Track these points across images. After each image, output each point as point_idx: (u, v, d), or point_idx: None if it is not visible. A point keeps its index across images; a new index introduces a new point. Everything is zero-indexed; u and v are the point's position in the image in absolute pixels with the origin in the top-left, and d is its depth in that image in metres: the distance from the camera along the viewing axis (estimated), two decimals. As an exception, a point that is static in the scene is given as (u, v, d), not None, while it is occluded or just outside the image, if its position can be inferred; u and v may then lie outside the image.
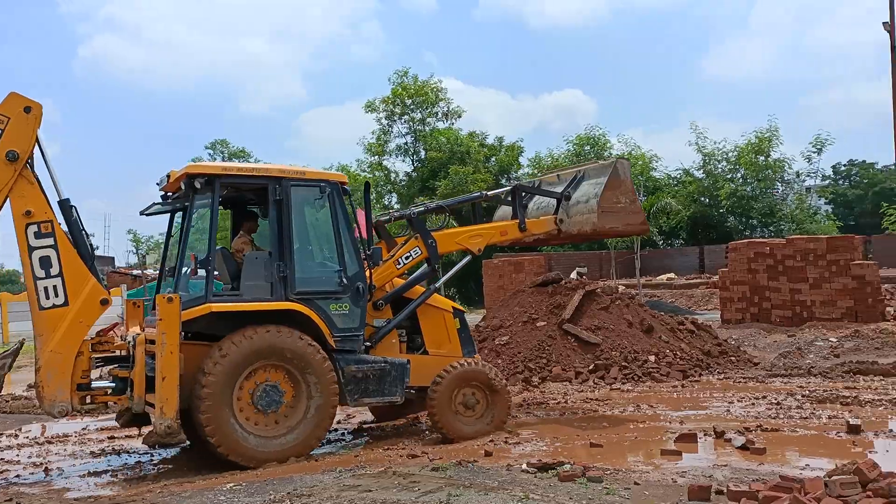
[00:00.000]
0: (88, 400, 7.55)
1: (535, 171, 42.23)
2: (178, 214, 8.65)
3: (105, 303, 7.51)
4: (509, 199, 10.31)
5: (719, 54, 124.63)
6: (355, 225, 8.61)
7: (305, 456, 7.75)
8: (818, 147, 39.23)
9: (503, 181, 42.78)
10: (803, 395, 10.31)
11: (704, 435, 8.04)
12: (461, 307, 9.80)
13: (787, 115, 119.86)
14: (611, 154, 41.05)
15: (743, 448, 7.41)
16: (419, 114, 45.28)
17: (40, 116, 7.42)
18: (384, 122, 45.92)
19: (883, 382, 11.19)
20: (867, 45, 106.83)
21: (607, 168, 10.10)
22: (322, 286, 8.31)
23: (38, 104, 7.41)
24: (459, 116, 46.09)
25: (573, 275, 19.49)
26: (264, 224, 8.71)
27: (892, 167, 52.78)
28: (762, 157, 38.09)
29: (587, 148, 41.41)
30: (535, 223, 10.24)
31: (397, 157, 46.73)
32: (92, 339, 7.68)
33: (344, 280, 8.31)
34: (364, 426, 10.02)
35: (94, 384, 7.55)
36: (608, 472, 6.48)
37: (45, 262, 7.30)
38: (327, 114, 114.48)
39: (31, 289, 7.29)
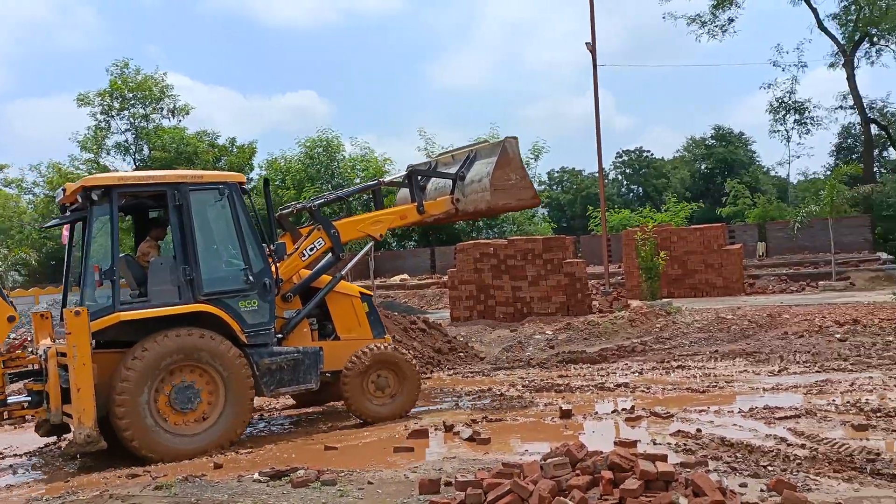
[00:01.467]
0: (6, 415, 7.67)
1: (270, 174, 41.49)
2: (80, 225, 8.58)
3: (12, 320, 7.58)
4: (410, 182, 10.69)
5: (446, 64, 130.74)
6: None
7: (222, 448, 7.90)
8: (535, 154, 42.41)
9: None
10: (523, 385, 11.06)
11: (435, 430, 8.31)
12: (369, 292, 10.14)
13: (508, 125, 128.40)
14: (343, 157, 41.34)
15: (470, 439, 7.75)
16: (142, 109, 42.57)
17: None
18: (100, 117, 42.59)
19: (590, 369, 12.33)
20: (571, 63, 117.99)
21: (497, 147, 10.54)
22: (229, 285, 8.48)
23: None
24: (187, 114, 44.01)
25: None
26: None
27: (597, 174, 58.68)
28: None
29: (319, 150, 41.39)
30: (433, 205, 10.56)
31: (117, 155, 43.57)
32: (2, 355, 7.73)
33: (250, 277, 8.49)
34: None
35: (10, 399, 7.63)
36: (342, 474, 6.44)
37: None
38: (34, 106, 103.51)
39: None
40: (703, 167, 62.91)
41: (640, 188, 65.82)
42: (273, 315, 8.69)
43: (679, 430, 7.54)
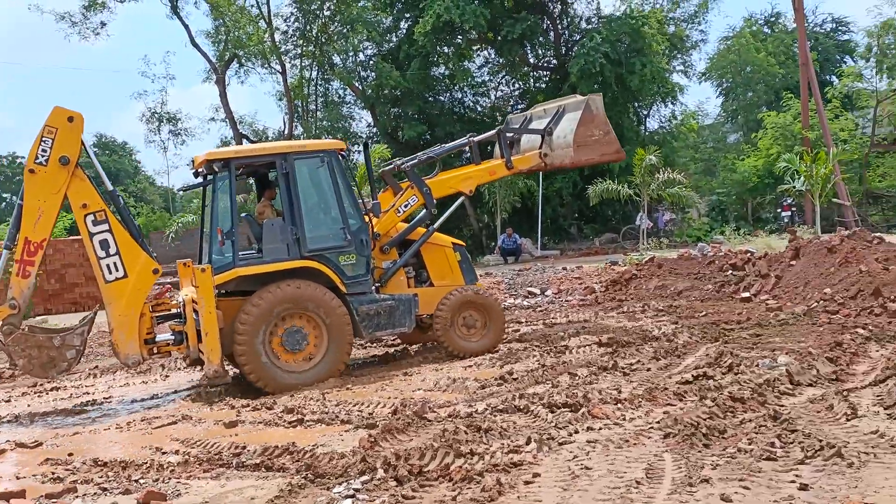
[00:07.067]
0: (156, 351, 9.38)
1: None
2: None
3: (156, 272, 9.15)
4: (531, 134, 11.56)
5: None
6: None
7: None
8: None
9: None
10: None
11: None
12: (461, 242, 11.02)
13: None
14: None
15: None
16: None
17: (83, 123, 8.89)
18: None
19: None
20: None
21: (581, 103, 10.98)
22: (329, 242, 9.55)
23: (79, 114, 8.84)
24: None
25: None
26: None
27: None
28: None
29: None
30: (521, 160, 11.31)
31: None
32: (150, 301, 9.24)
33: (348, 235, 9.53)
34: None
35: (159, 338, 9.27)
36: None
37: (104, 244, 8.87)
38: None
39: (96, 267, 8.90)
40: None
41: (12, 197, 60.14)
42: (369, 267, 9.69)
43: (49, 459, 6.92)
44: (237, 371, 9.64)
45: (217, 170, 9.42)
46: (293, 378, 9.10)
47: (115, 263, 8.90)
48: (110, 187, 9.33)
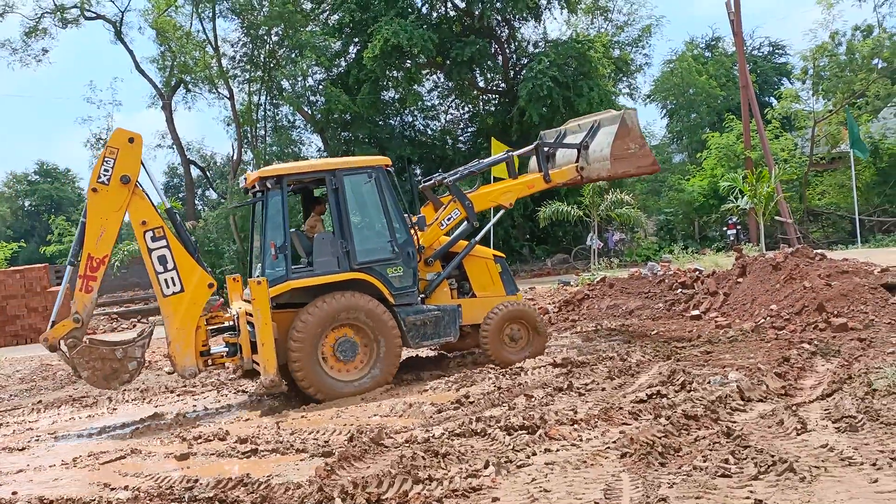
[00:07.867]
0: (210, 363, 9.75)
1: None
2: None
3: (211, 286, 9.50)
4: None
5: None
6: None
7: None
8: None
9: None
10: None
11: None
12: (501, 254, 11.28)
13: None
14: None
15: None
16: None
17: (141, 144, 9.34)
18: None
19: None
20: None
21: (617, 118, 11.20)
22: (378, 255, 9.96)
23: (139, 134, 9.30)
24: None
25: None
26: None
27: None
28: None
29: None
30: (559, 173, 11.58)
31: None
32: (205, 314, 9.69)
33: (395, 248, 10.00)
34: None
35: (213, 350, 9.70)
36: None
37: (162, 260, 9.30)
38: None
39: (155, 282, 9.33)
40: (27, 204, 59.19)
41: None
42: (416, 279, 10.05)
43: (-9, 499, 6.69)
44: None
45: (270, 186, 9.79)
46: (345, 387, 9.49)
47: (172, 278, 9.35)
48: (168, 205, 9.75)
